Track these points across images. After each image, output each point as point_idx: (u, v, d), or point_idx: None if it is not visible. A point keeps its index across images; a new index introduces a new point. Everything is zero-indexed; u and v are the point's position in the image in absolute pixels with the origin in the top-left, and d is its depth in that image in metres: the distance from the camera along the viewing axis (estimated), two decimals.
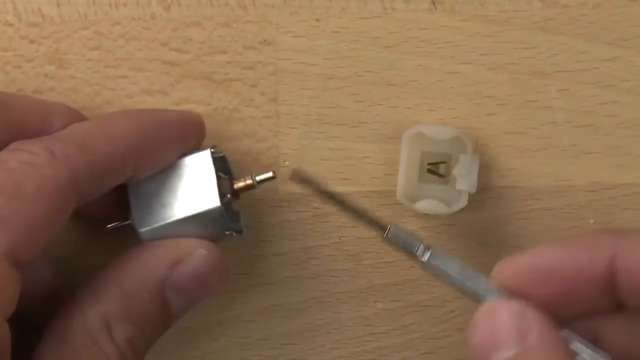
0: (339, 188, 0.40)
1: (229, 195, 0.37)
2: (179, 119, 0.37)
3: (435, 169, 0.40)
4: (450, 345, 0.41)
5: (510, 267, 0.32)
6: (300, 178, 0.35)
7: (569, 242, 0.32)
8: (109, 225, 0.38)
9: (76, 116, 0.37)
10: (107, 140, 0.34)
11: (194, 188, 0.36)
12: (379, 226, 0.34)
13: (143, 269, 0.35)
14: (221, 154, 0.38)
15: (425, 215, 0.40)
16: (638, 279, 0.30)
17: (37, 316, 0.35)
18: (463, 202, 0.39)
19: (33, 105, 0.36)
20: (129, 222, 0.37)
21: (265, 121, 0.40)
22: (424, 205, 0.39)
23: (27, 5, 0.40)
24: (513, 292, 0.32)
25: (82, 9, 0.40)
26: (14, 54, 0.40)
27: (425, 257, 0.34)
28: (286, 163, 0.40)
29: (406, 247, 0.34)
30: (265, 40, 0.40)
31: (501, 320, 0.31)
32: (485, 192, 0.40)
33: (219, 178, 0.37)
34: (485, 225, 0.41)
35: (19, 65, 0.40)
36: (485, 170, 0.40)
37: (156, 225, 0.36)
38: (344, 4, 0.40)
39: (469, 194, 0.38)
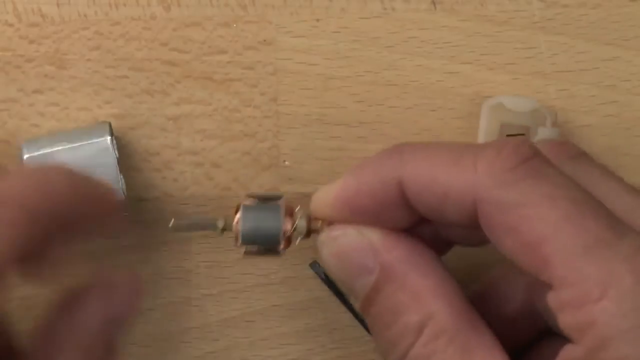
0: None
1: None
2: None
3: None
4: None
5: (318, 202, 0.34)
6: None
7: (358, 170, 0.33)
8: None
9: None
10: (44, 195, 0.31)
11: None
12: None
13: (88, 316, 0.32)
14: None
15: None
16: (425, 199, 0.31)
17: None
18: None
19: None
20: None
21: (265, 121, 0.40)
22: None
23: (27, 5, 0.40)
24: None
25: (82, 9, 0.40)
26: (14, 54, 0.40)
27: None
28: (286, 163, 0.40)
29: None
30: (265, 40, 0.40)
31: (346, 245, 0.33)
32: None
33: None
34: None
35: (19, 65, 0.40)
36: None
37: (42, 151, 0.37)
38: (344, 4, 0.40)
39: None
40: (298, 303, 0.41)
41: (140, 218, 0.40)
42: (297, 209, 0.35)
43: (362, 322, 0.40)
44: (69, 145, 0.37)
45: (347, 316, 0.41)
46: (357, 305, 0.34)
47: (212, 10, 0.40)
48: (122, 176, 0.38)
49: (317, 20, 0.40)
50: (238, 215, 0.34)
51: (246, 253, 0.35)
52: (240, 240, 0.34)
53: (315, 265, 0.40)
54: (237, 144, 0.40)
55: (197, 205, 0.40)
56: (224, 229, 0.35)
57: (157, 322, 0.40)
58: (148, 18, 0.40)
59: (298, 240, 0.35)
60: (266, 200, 0.35)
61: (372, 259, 0.32)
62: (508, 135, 0.39)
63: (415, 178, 0.31)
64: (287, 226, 0.34)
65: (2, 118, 0.40)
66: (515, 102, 0.39)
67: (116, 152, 0.38)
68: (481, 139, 0.39)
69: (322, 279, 0.40)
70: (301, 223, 0.35)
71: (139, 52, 0.40)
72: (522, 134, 0.39)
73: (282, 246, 0.35)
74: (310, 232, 0.35)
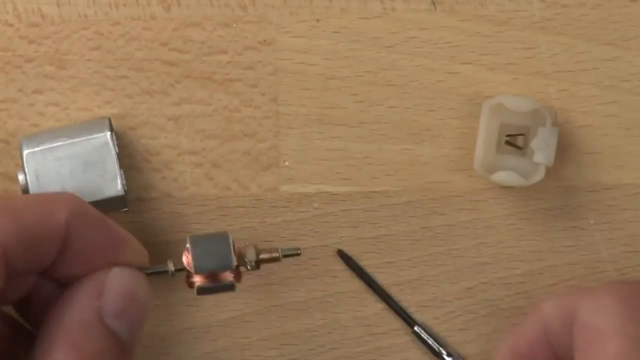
0: (339, 188, 0.40)
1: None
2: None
3: (513, 141, 0.39)
4: (451, 345, 0.41)
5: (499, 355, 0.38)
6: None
7: (519, 328, 0.38)
8: None
9: None
10: (39, 204, 0.32)
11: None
12: (406, 321, 0.40)
13: (77, 311, 0.34)
14: None
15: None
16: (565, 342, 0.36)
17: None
18: (540, 175, 0.38)
19: None
20: None
21: (265, 121, 0.40)
22: (501, 176, 0.39)
23: (27, 5, 0.40)
24: None
25: (82, 9, 0.40)
26: (14, 54, 0.40)
27: None
28: (286, 163, 0.40)
29: (430, 347, 0.40)
30: (265, 40, 0.40)
31: None
32: (485, 192, 0.40)
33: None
34: (485, 225, 0.41)
35: (19, 65, 0.40)
36: None
37: (42, 147, 0.37)
38: (344, 4, 0.40)
39: (546, 167, 0.38)
40: (298, 303, 0.41)
41: (140, 218, 0.40)
42: (244, 240, 0.37)
43: (396, 311, 0.40)
44: (69, 141, 0.38)
45: (347, 316, 0.41)
46: None
47: (212, 10, 0.40)
48: (122, 171, 0.38)
49: (317, 20, 0.40)
50: (187, 246, 0.36)
51: (199, 289, 0.36)
52: (193, 268, 0.35)
53: (342, 253, 0.40)
54: (237, 144, 0.40)
55: (197, 205, 0.40)
56: (176, 270, 0.36)
57: (157, 322, 0.40)
58: (148, 18, 0.40)
59: (249, 268, 0.36)
60: (212, 235, 0.36)
61: None
62: (508, 135, 0.39)
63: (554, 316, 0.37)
64: (236, 259, 0.36)
65: (2, 118, 0.40)
66: (515, 102, 0.39)
67: (116, 147, 0.38)
68: (481, 138, 0.39)
69: (351, 267, 0.40)
70: (249, 251, 0.36)
71: (139, 52, 0.40)
72: (522, 134, 0.39)
73: (233, 276, 0.36)
74: (260, 262, 0.37)
